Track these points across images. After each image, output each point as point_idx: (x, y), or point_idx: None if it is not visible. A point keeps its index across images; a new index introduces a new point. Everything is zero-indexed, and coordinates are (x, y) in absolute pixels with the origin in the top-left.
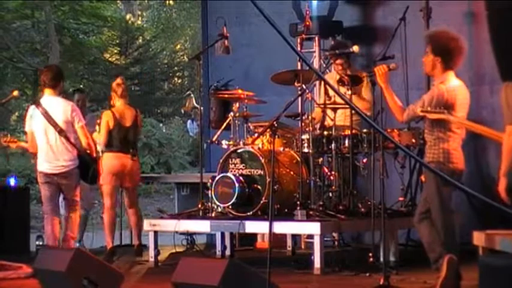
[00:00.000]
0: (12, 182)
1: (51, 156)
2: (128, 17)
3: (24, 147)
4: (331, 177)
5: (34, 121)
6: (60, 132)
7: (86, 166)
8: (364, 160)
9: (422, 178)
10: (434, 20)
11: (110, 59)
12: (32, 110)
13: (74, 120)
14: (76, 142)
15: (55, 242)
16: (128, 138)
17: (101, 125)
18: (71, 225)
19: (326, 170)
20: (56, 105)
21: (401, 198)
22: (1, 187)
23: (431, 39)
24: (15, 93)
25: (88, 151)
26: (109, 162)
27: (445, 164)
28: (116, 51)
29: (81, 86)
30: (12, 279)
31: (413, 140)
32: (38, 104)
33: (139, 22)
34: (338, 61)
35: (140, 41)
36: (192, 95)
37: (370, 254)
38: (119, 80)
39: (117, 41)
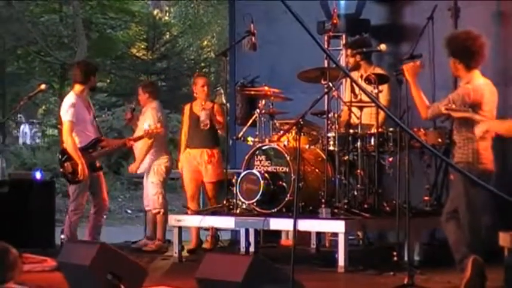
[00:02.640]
0: (38, 175)
1: None
2: (155, 12)
3: None
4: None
5: None
6: (60, 123)
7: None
8: (390, 159)
9: (451, 177)
10: (462, 20)
11: (136, 54)
12: None
13: (62, 115)
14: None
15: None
16: None
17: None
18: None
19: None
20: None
21: (426, 198)
22: (27, 181)
23: (447, 42)
24: (43, 86)
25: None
26: None
27: (474, 164)
28: (143, 46)
29: (108, 80)
30: (37, 272)
31: (440, 140)
32: None
33: (166, 18)
34: (357, 58)
35: (167, 36)
36: (221, 90)
37: (395, 253)
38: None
39: (144, 36)
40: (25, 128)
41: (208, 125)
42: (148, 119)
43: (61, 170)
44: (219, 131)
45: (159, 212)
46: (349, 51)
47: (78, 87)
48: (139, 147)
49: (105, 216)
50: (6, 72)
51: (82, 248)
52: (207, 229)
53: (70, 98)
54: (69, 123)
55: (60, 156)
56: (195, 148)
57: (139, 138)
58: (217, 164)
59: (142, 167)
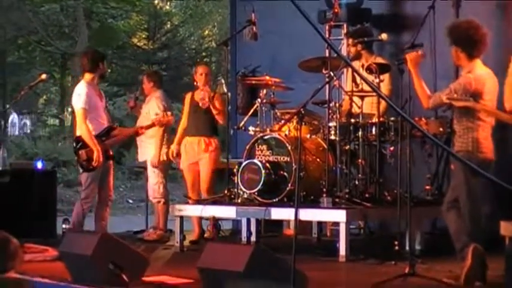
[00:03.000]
0: (39, 165)
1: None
2: (156, 1)
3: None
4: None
5: None
6: (73, 113)
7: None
8: (391, 148)
9: (452, 166)
10: (463, 9)
11: (137, 43)
12: None
13: (74, 104)
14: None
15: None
16: None
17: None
18: None
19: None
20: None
21: (427, 187)
22: (28, 170)
23: (449, 30)
24: (43, 76)
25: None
26: None
27: (474, 153)
28: (144, 36)
29: (109, 70)
30: (38, 261)
31: (441, 129)
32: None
33: (167, 7)
34: (358, 47)
35: (168, 26)
36: (222, 81)
37: (396, 243)
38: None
39: (145, 26)
40: (14, 119)
41: (208, 104)
42: (152, 109)
43: (76, 158)
44: (216, 117)
45: (159, 202)
46: (350, 40)
47: (87, 76)
48: (147, 136)
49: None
50: (6, 62)
51: (83, 237)
52: (207, 219)
53: (80, 87)
54: (82, 110)
55: (74, 144)
56: (192, 136)
57: (151, 126)
58: (214, 153)
59: (146, 154)
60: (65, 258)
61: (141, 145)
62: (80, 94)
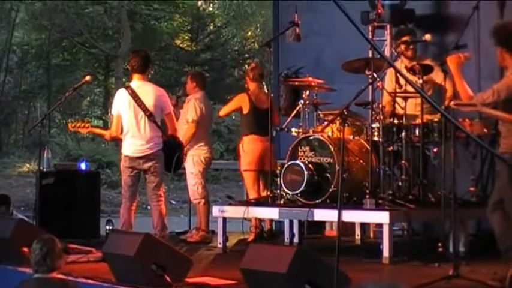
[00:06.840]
0: (83, 166)
1: (137, 140)
2: (199, 3)
3: (97, 133)
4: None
5: (122, 104)
6: (150, 116)
7: (170, 153)
8: (435, 149)
9: (498, 167)
10: (508, 9)
11: (181, 45)
12: (121, 93)
13: (163, 106)
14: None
15: (129, 229)
16: (265, 121)
17: (229, 106)
18: (157, 216)
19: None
20: (147, 90)
21: (472, 188)
22: (72, 171)
23: (495, 31)
24: (87, 78)
25: (174, 137)
26: (251, 145)
27: None
28: (187, 37)
29: (152, 72)
30: (82, 262)
31: (485, 130)
32: (128, 87)
33: (210, 8)
34: (402, 47)
35: (211, 27)
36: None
37: (440, 244)
38: (253, 64)
39: (188, 27)
40: None
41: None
42: (190, 109)
43: (176, 161)
44: None
45: (199, 202)
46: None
47: (139, 77)
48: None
49: None
50: (51, 64)
51: (127, 238)
52: (250, 220)
53: (157, 88)
54: (171, 114)
55: (177, 145)
56: None
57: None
58: (241, 152)
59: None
60: (108, 259)
61: None
62: (165, 96)
